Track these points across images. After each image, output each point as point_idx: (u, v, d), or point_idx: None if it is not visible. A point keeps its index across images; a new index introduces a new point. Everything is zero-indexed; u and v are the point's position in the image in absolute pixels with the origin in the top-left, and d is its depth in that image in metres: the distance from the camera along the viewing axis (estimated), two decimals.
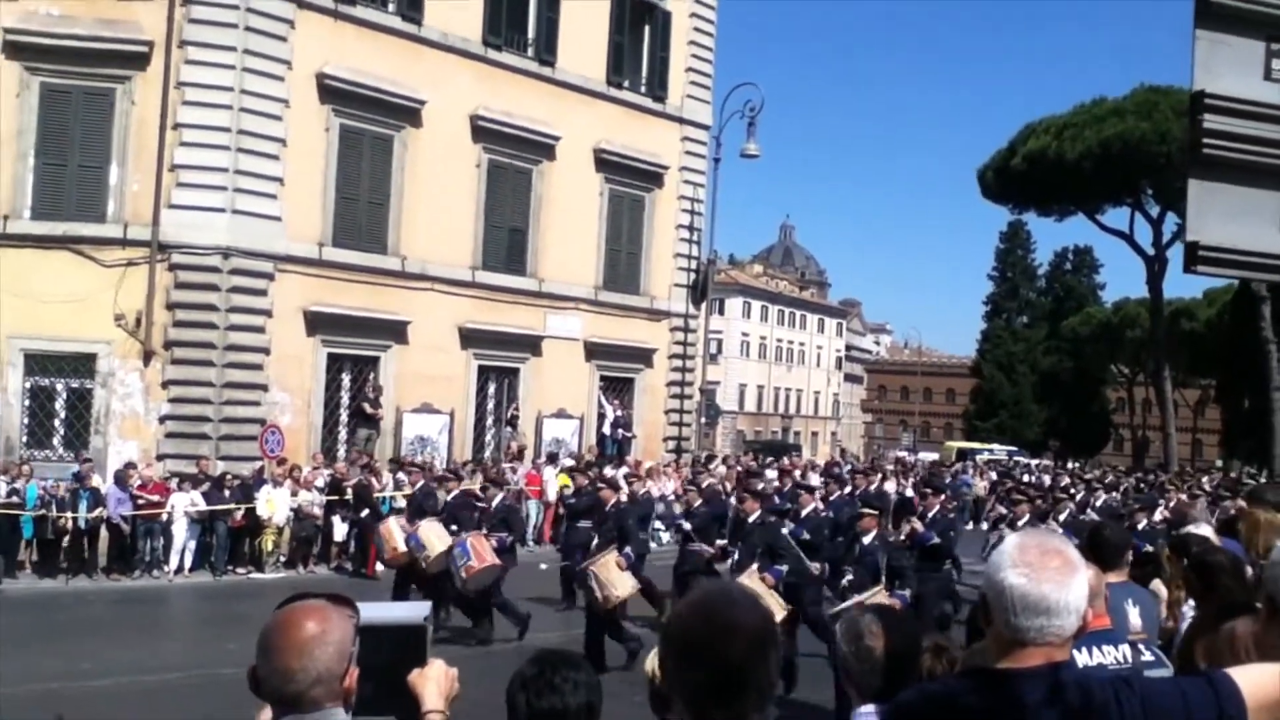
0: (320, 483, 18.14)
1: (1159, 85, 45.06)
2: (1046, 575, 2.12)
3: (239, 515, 16.95)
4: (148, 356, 18.53)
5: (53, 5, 18.28)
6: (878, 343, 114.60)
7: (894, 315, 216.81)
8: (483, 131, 22.67)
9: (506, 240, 23.48)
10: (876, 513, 11.04)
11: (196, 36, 18.68)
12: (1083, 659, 3.86)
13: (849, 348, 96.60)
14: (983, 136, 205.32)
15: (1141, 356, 60.65)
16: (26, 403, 18.36)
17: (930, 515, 12.07)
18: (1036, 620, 2.10)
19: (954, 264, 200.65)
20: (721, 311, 71.49)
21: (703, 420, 29.74)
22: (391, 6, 21.33)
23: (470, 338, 22.62)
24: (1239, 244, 2.84)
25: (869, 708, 2.92)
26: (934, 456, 47.63)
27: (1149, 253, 49.01)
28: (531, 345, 23.88)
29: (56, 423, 18.57)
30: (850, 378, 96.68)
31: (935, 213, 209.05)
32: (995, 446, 52.95)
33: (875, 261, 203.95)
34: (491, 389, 23.62)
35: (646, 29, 25.97)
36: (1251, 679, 2.22)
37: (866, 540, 10.47)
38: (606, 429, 24.93)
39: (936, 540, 11.54)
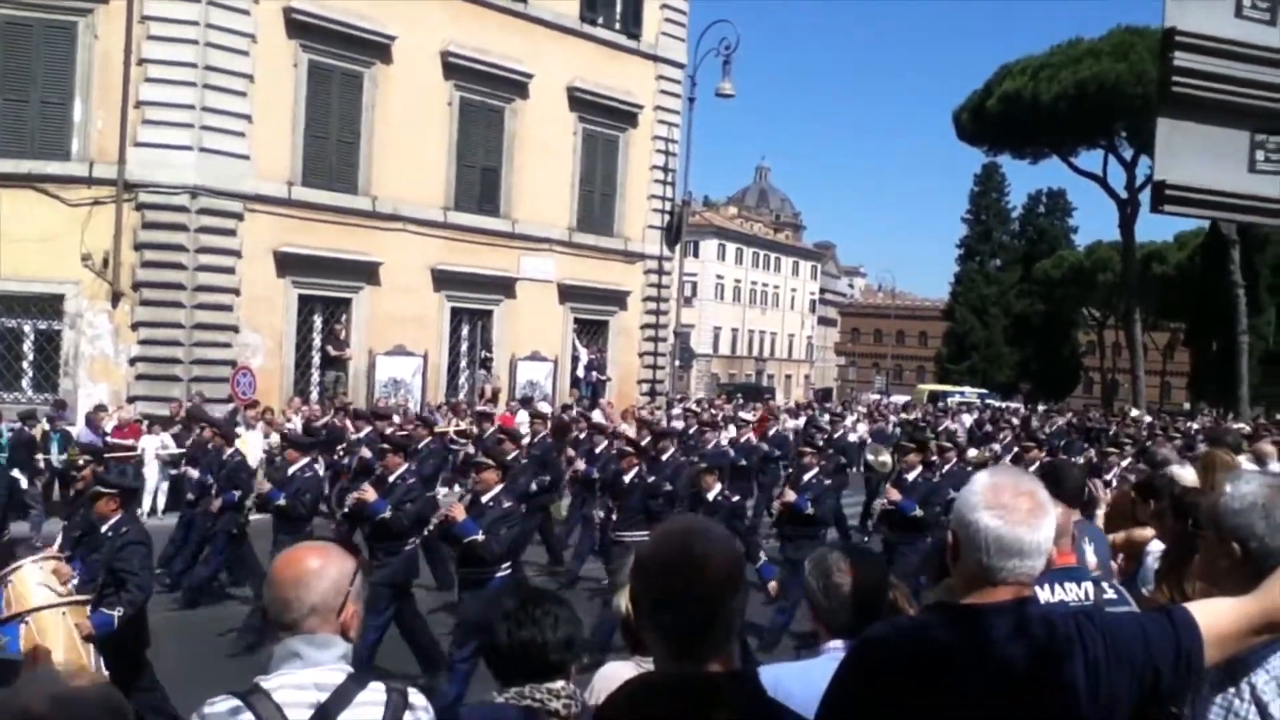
0: (294, 425, 18.03)
1: (1136, 26, 44.95)
2: (1019, 517, 2.15)
3: None
4: (116, 297, 18.30)
5: None
6: (852, 286, 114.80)
7: (869, 258, 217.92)
8: (454, 68, 22.32)
9: (479, 180, 23.24)
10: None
11: None
12: (1045, 595, 3.92)
13: (823, 290, 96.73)
14: (959, 78, 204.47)
15: (1113, 300, 61.10)
16: None
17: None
18: (1009, 561, 2.14)
19: (929, 207, 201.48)
20: (696, 254, 71.35)
21: (677, 363, 29.77)
22: None
23: (443, 279, 22.46)
24: (1207, 184, 2.81)
25: (837, 643, 2.95)
26: (905, 399, 47.96)
27: (1121, 196, 49.21)
28: (505, 287, 23.76)
29: (25, 364, 18.37)
30: (824, 320, 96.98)
31: (911, 155, 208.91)
32: (967, 389, 53.36)
33: (850, 204, 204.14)
34: (465, 331, 23.53)
35: None
36: (1208, 612, 2.30)
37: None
38: (580, 372, 24.94)
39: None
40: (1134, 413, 37.33)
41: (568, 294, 24.93)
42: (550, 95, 24.12)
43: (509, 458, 9.97)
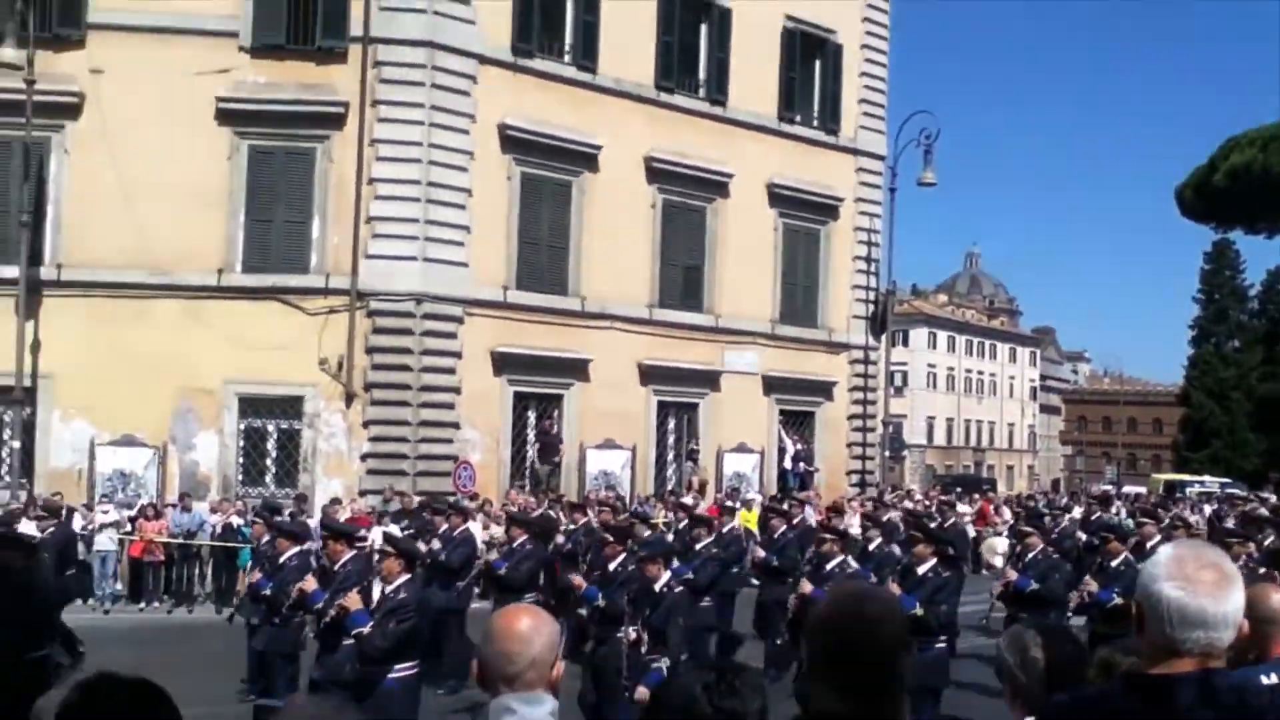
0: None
1: None
2: (1204, 589, 2.15)
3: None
4: (350, 398, 19.66)
5: (258, 74, 19.80)
6: (1075, 371, 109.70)
7: (1092, 342, 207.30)
8: (657, 172, 23.18)
9: (683, 277, 23.85)
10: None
11: (388, 96, 19.88)
12: (1270, 681, 3.69)
13: (1044, 377, 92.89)
14: (1178, 153, 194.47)
15: None
16: (241, 443, 19.78)
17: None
18: (1194, 633, 2.14)
19: (1154, 287, 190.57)
20: (905, 343, 70.07)
21: (887, 454, 29.18)
22: (567, 57, 22.16)
23: (649, 374, 23.02)
24: None
25: None
26: (1141, 490, 45.14)
27: None
28: (710, 380, 24.09)
29: (269, 461, 19.92)
30: (1047, 408, 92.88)
31: (1130, 234, 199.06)
32: (1207, 479, 49.71)
33: (1068, 287, 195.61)
34: (671, 424, 23.93)
35: (818, 63, 26.02)
36: None
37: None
38: (787, 463, 24.83)
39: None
40: None
41: (772, 386, 25.02)
42: (750, 193, 24.62)
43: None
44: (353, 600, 7.41)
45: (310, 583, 8.74)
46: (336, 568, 8.81)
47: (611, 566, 8.40)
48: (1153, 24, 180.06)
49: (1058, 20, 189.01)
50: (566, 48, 22.21)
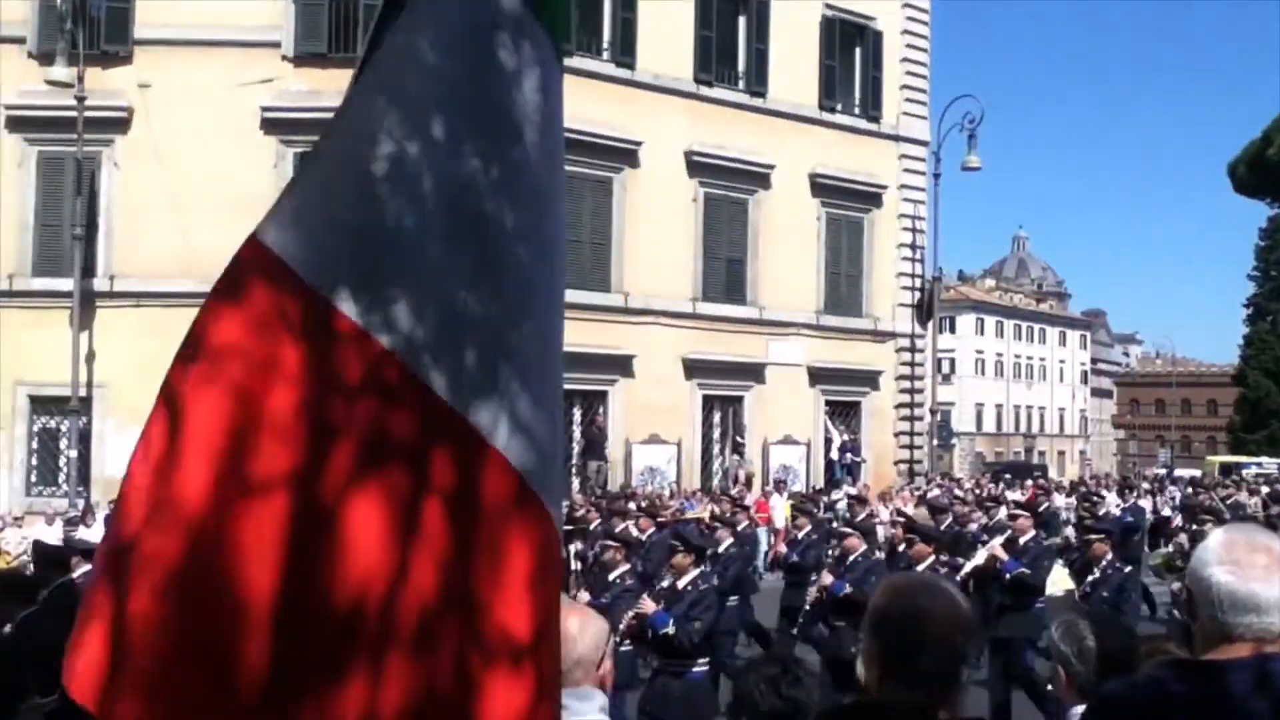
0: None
1: None
2: (1254, 574, 2.12)
3: None
4: None
5: (301, 82, 20.00)
6: (1127, 354, 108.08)
7: (1143, 324, 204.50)
8: (698, 166, 23.18)
9: (725, 270, 23.83)
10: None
11: None
12: None
13: (1095, 360, 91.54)
14: (1229, 128, 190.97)
15: None
16: None
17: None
18: (1245, 617, 2.12)
19: (1206, 265, 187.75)
20: (953, 330, 69.41)
21: (935, 442, 28.97)
22: (606, 54, 22.21)
23: (694, 368, 23.04)
24: None
25: (1080, 708, 2.94)
26: (1195, 473, 44.40)
27: None
28: (754, 373, 24.06)
29: None
30: (1098, 392, 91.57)
31: (1181, 211, 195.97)
32: (1265, 460, 48.77)
33: (1118, 268, 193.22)
34: (717, 418, 23.94)
35: (858, 51, 25.87)
36: None
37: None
38: (834, 454, 24.75)
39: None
40: None
41: (817, 377, 24.93)
42: (792, 183, 24.53)
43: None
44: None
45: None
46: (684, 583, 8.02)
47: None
48: None
49: None
50: (605, 45, 22.25)
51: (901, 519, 13.24)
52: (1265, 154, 45.03)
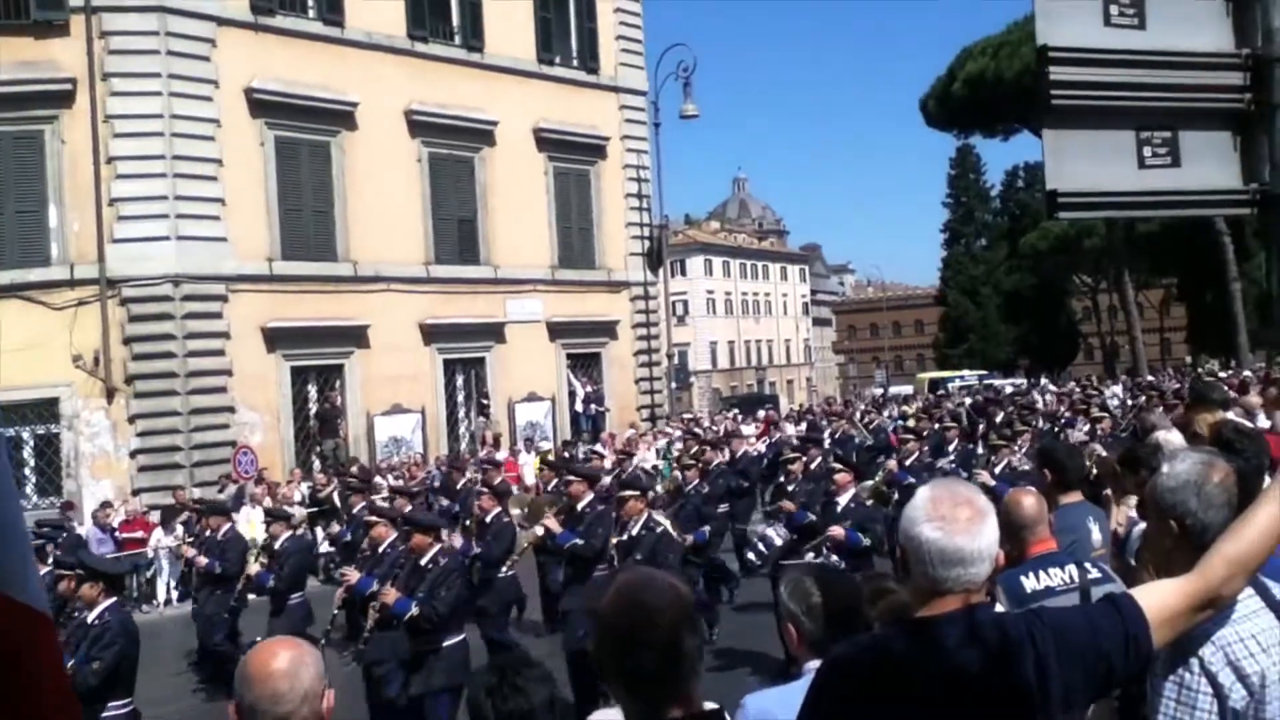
0: (298, 497, 18.07)
1: None
2: (959, 527, 2.22)
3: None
4: (110, 393, 18.44)
5: None
6: (842, 283, 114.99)
7: (855, 255, 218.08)
8: (419, 125, 22.56)
9: (457, 231, 23.43)
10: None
11: (118, 67, 18.47)
12: (1031, 583, 4.02)
13: (814, 292, 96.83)
14: (921, 66, 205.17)
15: (1102, 264, 60.89)
16: None
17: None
18: (953, 570, 2.21)
19: (909, 196, 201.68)
20: (683, 272, 71.62)
21: (673, 385, 29.86)
22: (312, 12, 21.13)
23: (432, 333, 22.61)
24: (1100, 185, 2.89)
25: (815, 662, 3.05)
26: (908, 389, 47.90)
27: None
28: (494, 332, 23.90)
29: (27, 471, 18.45)
30: (819, 321, 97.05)
31: (884, 148, 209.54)
32: (965, 373, 53.26)
33: (831, 204, 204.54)
34: (460, 381, 23.65)
35: (571, 3, 25.82)
36: (1152, 594, 2.38)
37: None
38: (579, 406, 25.04)
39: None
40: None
41: (557, 331, 25.07)
42: (517, 139, 24.34)
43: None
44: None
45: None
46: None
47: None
48: None
49: None
50: (310, 3, 21.16)
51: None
52: (950, 90, 48.45)
